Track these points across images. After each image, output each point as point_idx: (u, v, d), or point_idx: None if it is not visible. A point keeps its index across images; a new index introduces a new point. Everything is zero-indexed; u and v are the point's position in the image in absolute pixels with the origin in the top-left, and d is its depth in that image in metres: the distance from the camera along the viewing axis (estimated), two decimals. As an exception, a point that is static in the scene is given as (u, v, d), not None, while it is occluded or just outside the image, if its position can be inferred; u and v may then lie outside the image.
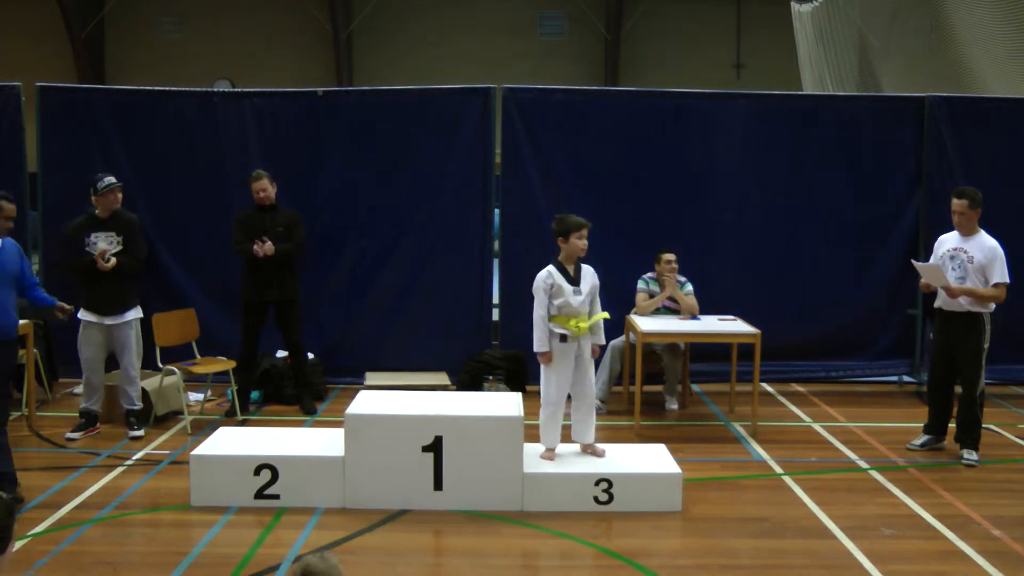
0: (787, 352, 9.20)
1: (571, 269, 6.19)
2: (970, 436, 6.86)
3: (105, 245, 7.31)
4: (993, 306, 6.80)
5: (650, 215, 9.04)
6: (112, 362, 7.68)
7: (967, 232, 6.85)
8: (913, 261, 6.93)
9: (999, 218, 9.22)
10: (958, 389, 6.99)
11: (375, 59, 26.29)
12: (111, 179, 7.39)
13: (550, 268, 6.19)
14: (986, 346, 6.78)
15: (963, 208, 6.80)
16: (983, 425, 7.01)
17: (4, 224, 6.27)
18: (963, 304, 6.71)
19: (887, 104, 9.79)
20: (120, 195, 7.47)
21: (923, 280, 6.89)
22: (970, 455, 6.82)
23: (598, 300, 6.31)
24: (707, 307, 8.31)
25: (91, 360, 7.40)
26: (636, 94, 10.11)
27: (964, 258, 6.76)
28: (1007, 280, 6.70)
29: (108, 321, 7.36)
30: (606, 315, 6.31)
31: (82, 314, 7.38)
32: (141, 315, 7.56)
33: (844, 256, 9.22)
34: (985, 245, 6.77)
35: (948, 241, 6.98)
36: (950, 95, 9.73)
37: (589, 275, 6.24)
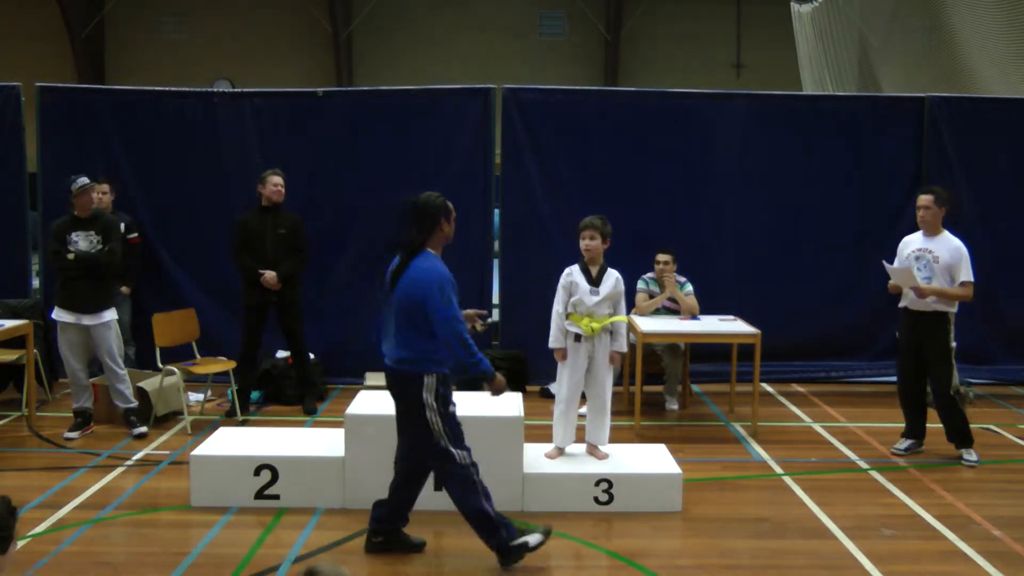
0: (787, 352, 9.21)
1: (594, 270, 6.25)
2: (962, 435, 6.83)
3: (85, 244, 7.29)
4: (957, 305, 6.82)
5: (650, 215, 9.04)
6: (98, 364, 7.65)
7: (932, 232, 6.88)
8: (884, 263, 6.93)
9: (999, 218, 9.29)
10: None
11: (375, 59, 26.30)
12: (84, 179, 7.33)
13: (573, 266, 6.31)
14: (953, 345, 6.78)
15: (929, 203, 6.84)
16: (986, 425, 7.00)
17: None
18: (930, 303, 6.73)
19: (887, 104, 9.80)
20: (94, 196, 7.43)
21: (892, 282, 6.90)
22: (969, 455, 6.81)
23: (622, 306, 6.34)
24: (707, 307, 8.31)
25: (73, 360, 7.36)
26: (636, 94, 10.12)
27: (930, 258, 6.79)
28: (972, 279, 6.74)
29: (86, 321, 7.31)
30: (624, 319, 6.33)
31: (57, 314, 7.35)
32: (116, 316, 7.52)
33: (844, 256, 9.22)
34: (951, 245, 6.80)
35: (913, 242, 7.00)
36: (950, 95, 9.74)
37: (612, 279, 6.29)
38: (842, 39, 16.14)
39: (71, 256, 7.23)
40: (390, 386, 5.15)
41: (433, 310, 4.85)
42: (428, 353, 4.94)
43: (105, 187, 8.53)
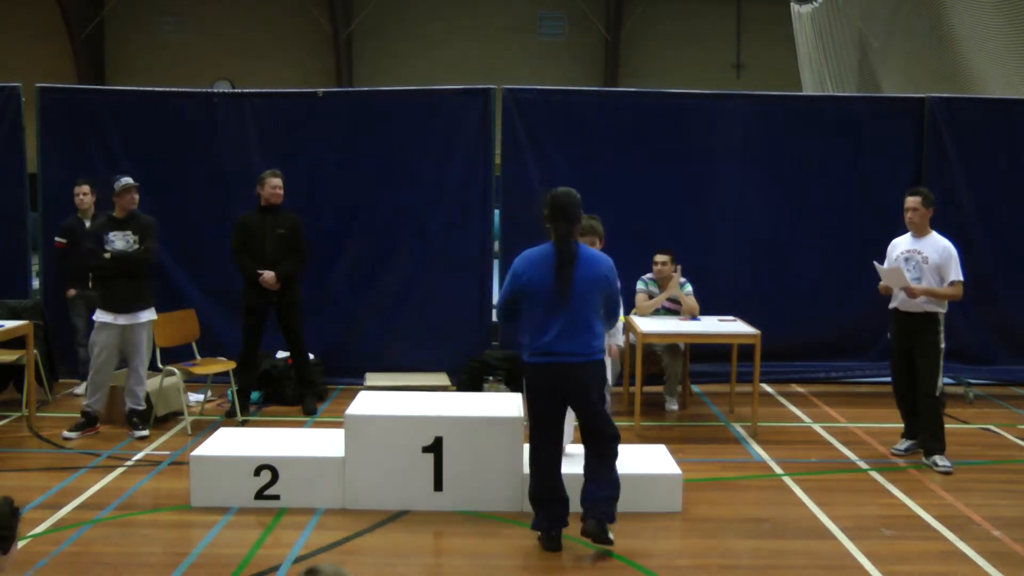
0: (787, 353, 9.21)
1: None
2: (938, 440, 6.79)
3: (122, 244, 7.32)
4: (947, 306, 6.84)
5: (650, 215, 9.04)
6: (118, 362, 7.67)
7: (920, 233, 6.92)
8: (875, 263, 6.95)
9: (999, 218, 9.29)
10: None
11: (375, 59, 26.31)
12: (128, 180, 7.41)
13: None
14: (943, 346, 6.79)
15: (917, 204, 6.87)
16: (986, 425, 7.00)
17: None
18: (920, 304, 6.75)
19: (887, 104, 9.81)
20: (136, 196, 7.46)
21: (882, 283, 6.91)
22: (943, 461, 6.73)
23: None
24: (707, 308, 8.31)
25: (102, 360, 7.37)
26: (636, 95, 10.12)
27: (919, 259, 6.81)
28: (962, 278, 6.77)
29: (122, 320, 7.35)
30: (621, 317, 6.33)
31: (98, 315, 7.37)
32: (155, 316, 7.55)
33: (844, 256, 9.21)
34: (939, 245, 6.83)
35: (901, 244, 7.03)
36: (950, 95, 9.74)
37: None
38: (842, 39, 16.15)
39: (107, 255, 7.26)
40: (573, 380, 5.09)
41: (618, 291, 5.23)
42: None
43: (85, 188, 8.53)
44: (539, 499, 5.29)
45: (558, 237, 5.12)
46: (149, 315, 7.49)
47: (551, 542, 5.24)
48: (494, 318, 9.27)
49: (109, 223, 7.39)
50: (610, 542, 5.13)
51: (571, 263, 5.04)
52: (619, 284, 6.43)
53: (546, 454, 5.27)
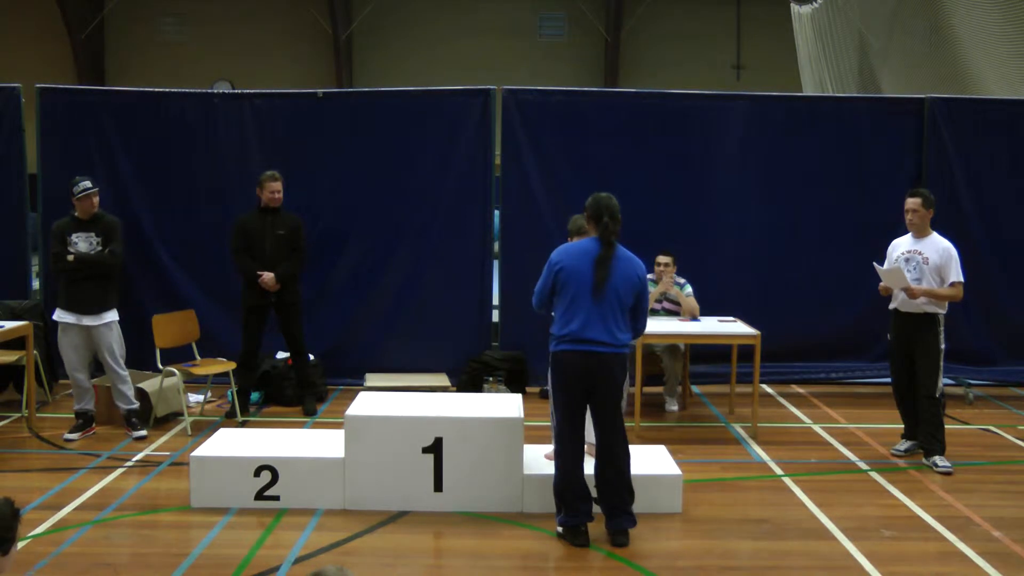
0: (787, 353, 9.21)
1: None
2: (938, 441, 6.79)
3: (85, 245, 7.30)
4: (947, 307, 6.84)
5: (650, 216, 9.01)
6: (100, 364, 7.66)
7: (920, 233, 6.94)
8: (875, 265, 6.95)
9: (999, 218, 9.29)
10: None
11: (375, 60, 26.31)
12: (86, 184, 7.31)
13: None
14: (943, 347, 6.79)
15: (917, 206, 6.89)
16: (986, 426, 7.00)
17: None
18: (921, 304, 6.75)
19: (887, 105, 9.80)
20: (96, 200, 7.38)
21: (883, 284, 6.92)
22: (943, 462, 6.73)
23: None
24: (707, 308, 8.31)
25: (73, 362, 7.36)
26: (636, 95, 10.10)
27: (919, 260, 6.83)
28: (962, 279, 6.79)
29: (87, 321, 7.31)
30: None
31: (58, 315, 7.35)
32: (117, 317, 7.47)
33: (844, 257, 9.21)
34: (939, 246, 6.84)
35: (902, 245, 7.05)
36: (950, 96, 9.74)
37: None
38: (842, 40, 16.14)
39: (70, 258, 7.24)
40: (602, 370, 5.29)
41: (647, 293, 5.53)
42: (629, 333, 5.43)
43: None
44: (567, 494, 5.36)
45: (602, 232, 5.32)
46: (112, 315, 7.42)
47: (581, 537, 5.32)
48: (495, 318, 9.29)
49: (72, 224, 7.34)
50: (627, 544, 5.34)
51: (612, 257, 5.28)
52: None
53: (572, 449, 5.38)
